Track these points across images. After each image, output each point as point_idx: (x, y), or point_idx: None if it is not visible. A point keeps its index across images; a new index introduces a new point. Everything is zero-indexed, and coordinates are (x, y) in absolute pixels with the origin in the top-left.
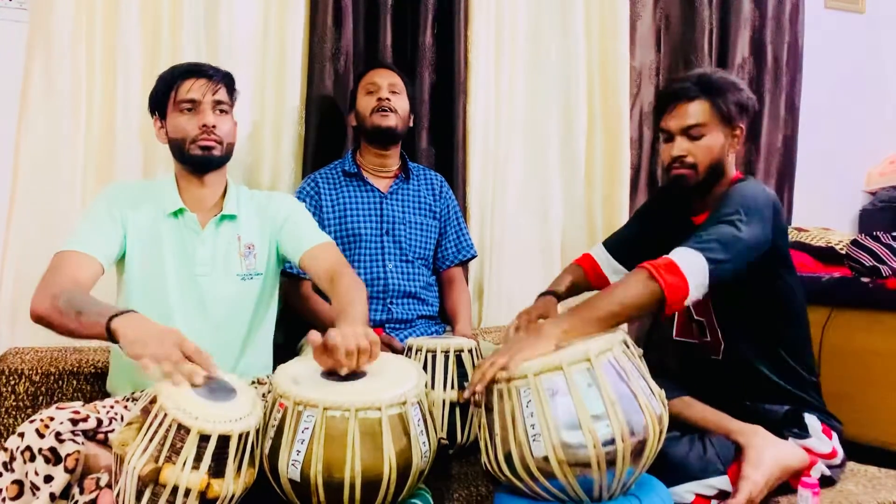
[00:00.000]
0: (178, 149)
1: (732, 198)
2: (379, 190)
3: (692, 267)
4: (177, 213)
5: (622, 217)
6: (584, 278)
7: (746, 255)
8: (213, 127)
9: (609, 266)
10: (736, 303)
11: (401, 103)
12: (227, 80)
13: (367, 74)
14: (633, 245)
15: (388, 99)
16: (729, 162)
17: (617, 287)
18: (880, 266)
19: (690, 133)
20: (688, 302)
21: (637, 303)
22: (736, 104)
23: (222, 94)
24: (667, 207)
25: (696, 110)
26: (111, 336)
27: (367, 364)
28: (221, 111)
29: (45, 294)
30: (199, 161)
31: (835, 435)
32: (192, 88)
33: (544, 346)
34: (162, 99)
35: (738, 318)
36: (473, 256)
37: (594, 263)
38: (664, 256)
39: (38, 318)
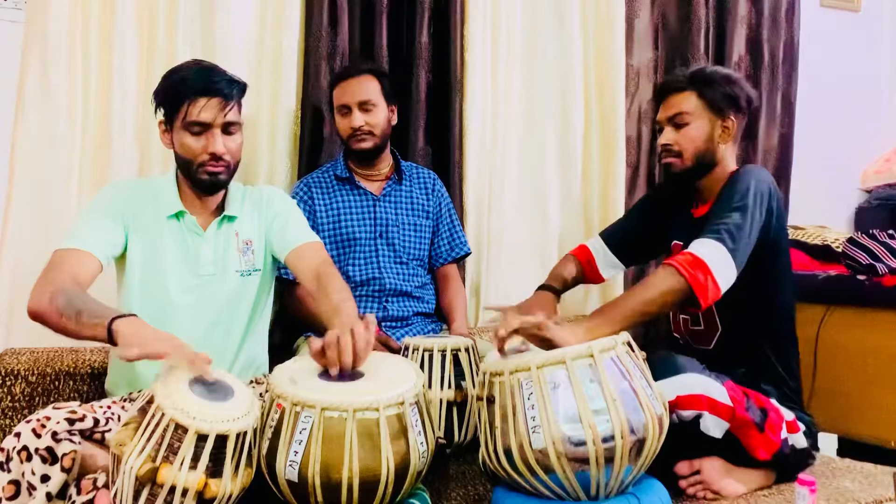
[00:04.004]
0: (185, 168)
1: (738, 184)
2: (371, 193)
3: (717, 258)
4: (177, 216)
5: (619, 215)
6: (581, 271)
7: (751, 243)
8: (223, 153)
9: (605, 260)
10: (736, 289)
11: (376, 118)
12: (241, 94)
13: (336, 91)
14: (632, 238)
15: (360, 127)
16: (723, 154)
17: (641, 286)
18: (876, 264)
19: (675, 121)
20: (716, 297)
21: (662, 300)
22: (724, 95)
23: (234, 115)
24: (666, 201)
25: (681, 100)
26: (111, 338)
27: (361, 363)
28: (231, 133)
29: (44, 291)
30: (205, 185)
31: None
32: (205, 109)
33: (570, 336)
34: (171, 106)
35: (736, 305)
36: (468, 254)
37: (590, 256)
38: (686, 251)
39: (36, 316)
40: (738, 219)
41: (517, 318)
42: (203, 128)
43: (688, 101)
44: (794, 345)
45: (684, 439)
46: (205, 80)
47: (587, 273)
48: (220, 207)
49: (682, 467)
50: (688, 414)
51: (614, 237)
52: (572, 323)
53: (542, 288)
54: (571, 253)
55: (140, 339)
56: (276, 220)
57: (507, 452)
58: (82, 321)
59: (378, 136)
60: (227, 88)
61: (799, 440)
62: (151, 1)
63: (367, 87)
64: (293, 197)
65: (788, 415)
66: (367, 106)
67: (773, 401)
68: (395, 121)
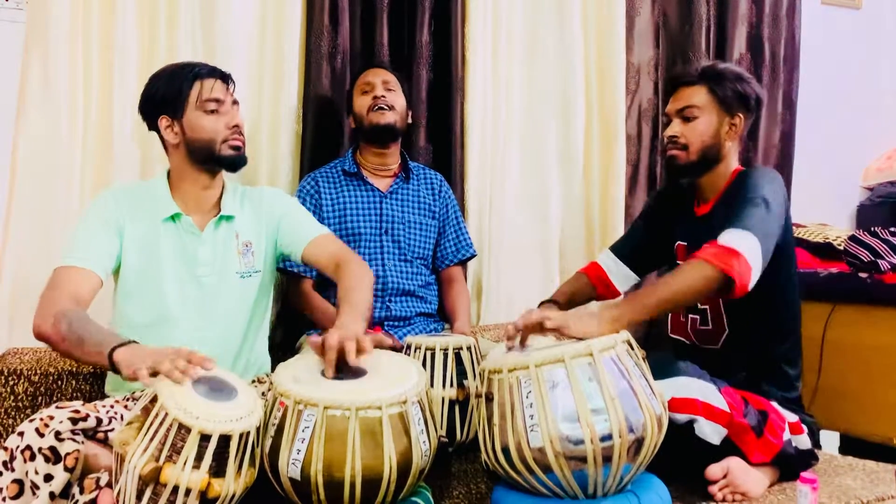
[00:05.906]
0: (205, 150)
1: (754, 181)
2: (379, 189)
3: (745, 244)
4: (173, 218)
5: (619, 214)
6: (589, 288)
7: (776, 234)
8: (242, 124)
9: (619, 274)
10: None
11: (397, 100)
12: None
13: (362, 75)
14: (640, 247)
15: (383, 96)
16: (727, 151)
17: (670, 277)
18: (878, 261)
19: (684, 114)
20: (752, 284)
21: (694, 290)
22: (734, 92)
23: (236, 96)
24: (668, 205)
25: (691, 94)
26: (113, 366)
27: (357, 362)
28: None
29: (47, 314)
30: (230, 161)
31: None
32: (215, 88)
33: (595, 326)
34: (178, 93)
35: (745, 304)
36: (473, 256)
37: (600, 272)
38: (713, 242)
39: (40, 338)
40: (761, 212)
41: (535, 314)
42: (218, 104)
43: (698, 95)
44: (799, 344)
45: (680, 445)
46: (203, 65)
47: (600, 289)
48: (217, 207)
49: (714, 471)
50: (680, 418)
51: (624, 248)
52: (595, 311)
53: (545, 302)
54: (581, 270)
55: (139, 360)
56: (283, 219)
57: (506, 451)
58: (84, 350)
59: (398, 114)
60: (224, 74)
61: (803, 441)
62: (152, 1)
63: (393, 77)
64: (301, 191)
65: (791, 416)
66: (390, 86)
67: (775, 403)
68: (409, 120)
